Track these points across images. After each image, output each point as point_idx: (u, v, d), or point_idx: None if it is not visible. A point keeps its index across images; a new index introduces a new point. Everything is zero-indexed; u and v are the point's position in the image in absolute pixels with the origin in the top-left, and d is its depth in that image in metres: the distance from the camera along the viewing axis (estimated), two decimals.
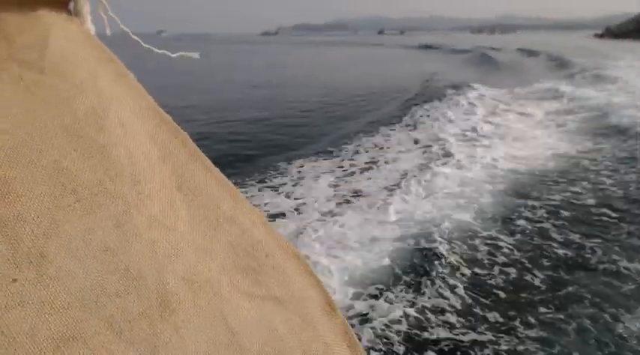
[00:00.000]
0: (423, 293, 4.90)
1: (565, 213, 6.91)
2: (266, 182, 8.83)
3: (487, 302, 4.76)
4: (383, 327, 4.38)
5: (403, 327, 4.38)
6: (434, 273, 5.26)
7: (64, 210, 0.58)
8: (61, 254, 0.56)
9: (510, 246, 5.94)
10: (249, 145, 11.89)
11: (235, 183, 0.79)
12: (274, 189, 8.44)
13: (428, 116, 14.35)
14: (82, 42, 0.71)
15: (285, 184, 8.65)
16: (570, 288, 4.96)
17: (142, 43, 0.84)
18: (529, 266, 5.45)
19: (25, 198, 0.57)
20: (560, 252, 5.78)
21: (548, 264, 5.51)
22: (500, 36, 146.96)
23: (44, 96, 0.63)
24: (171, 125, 0.73)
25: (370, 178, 8.77)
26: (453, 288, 4.99)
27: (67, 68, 0.67)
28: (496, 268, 5.42)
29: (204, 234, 0.67)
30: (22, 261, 0.54)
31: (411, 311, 4.60)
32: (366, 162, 9.83)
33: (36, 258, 0.54)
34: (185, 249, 0.64)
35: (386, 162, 9.75)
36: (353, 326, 4.28)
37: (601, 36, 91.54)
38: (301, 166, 9.59)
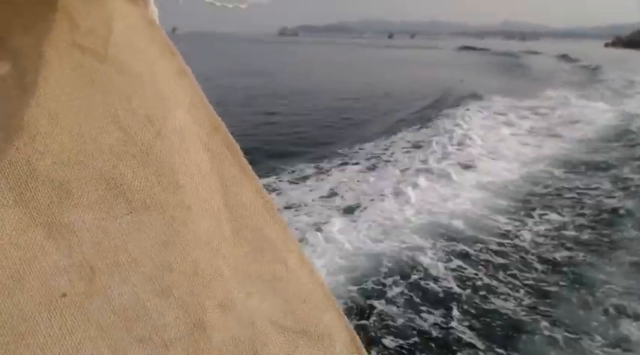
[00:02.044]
0: None
1: None
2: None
3: None
4: None
5: None
6: None
7: (116, 222, 0.57)
8: (109, 269, 0.55)
9: None
10: None
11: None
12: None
13: None
14: (145, 30, 0.70)
15: None
16: None
17: None
18: None
19: (81, 205, 0.56)
20: None
21: None
22: (532, 43, 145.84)
23: (103, 89, 0.62)
24: (225, 134, 0.71)
25: None
26: None
27: (127, 58, 0.66)
28: None
29: (245, 259, 0.66)
30: (74, 274, 0.53)
31: None
32: None
33: (86, 271, 0.54)
34: (226, 273, 0.63)
35: None
36: None
37: (613, 44, 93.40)
38: None
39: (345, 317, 0.71)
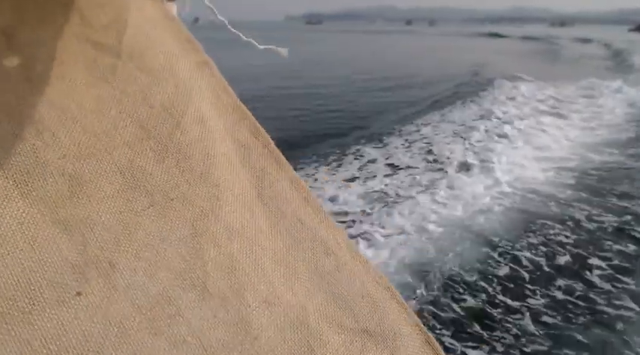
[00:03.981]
0: None
1: None
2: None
3: None
4: None
5: None
6: None
7: (136, 215, 0.54)
8: (132, 264, 0.51)
9: None
10: None
11: None
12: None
13: None
14: (161, 23, 0.67)
15: None
16: None
17: (242, 36, 0.79)
18: None
19: (96, 199, 0.52)
20: None
21: None
22: (569, 29, 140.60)
23: (118, 85, 0.60)
24: (253, 123, 0.68)
25: None
26: None
27: (144, 53, 0.63)
28: None
29: (286, 250, 0.61)
30: (90, 271, 0.49)
31: None
32: None
33: (105, 267, 0.50)
34: (267, 266, 0.58)
35: None
36: None
37: (638, 29, 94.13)
38: None
39: (415, 315, 0.64)
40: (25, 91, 0.55)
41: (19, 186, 0.51)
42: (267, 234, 0.62)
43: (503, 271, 4.72)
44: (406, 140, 9.80)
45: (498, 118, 11.03)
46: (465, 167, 7.85)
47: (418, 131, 10.39)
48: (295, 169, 0.69)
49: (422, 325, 0.64)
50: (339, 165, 8.28)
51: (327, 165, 8.29)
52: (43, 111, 0.55)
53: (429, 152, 8.80)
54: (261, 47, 0.79)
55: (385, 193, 6.76)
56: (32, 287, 0.46)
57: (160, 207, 0.56)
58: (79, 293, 0.48)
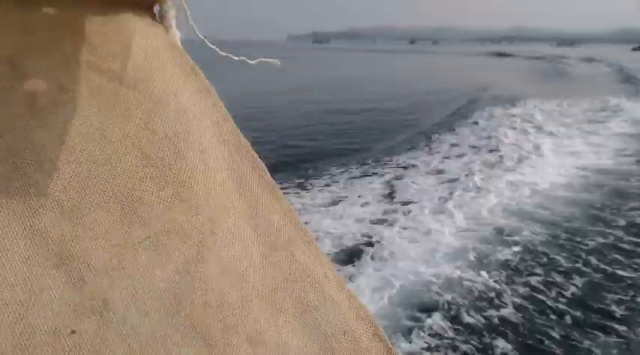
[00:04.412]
0: None
1: None
2: None
3: None
4: None
5: None
6: None
7: (132, 248, 0.54)
8: (125, 302, 0.51)
9: None
10: None
11: None
12: None
13: None
14: (166, 52, 0.69)
15: None
16: None
17: (219, 51, 0.81)
18: None
19: (94, 233, 0.53)
20: None
21: None
22: (578, 48, 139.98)
23: (122, 111, 0.60)
24: (250, 153, 0.69)
25: None
26: None
27: (147, 80, 0.64)
28: None
29: (275, 285, 0.62)
30: (85, 309, 0.49)
31: None
32: None
33: (99, 305, 0.50)
34: (254, 303, 0.59)
35: None
36: None
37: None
38: None
39: (395, 349, 0.65)
40: (29, 121, 0.55)
41: (21, 221, 0.50)
42: (259, 268, 0.62)
43: None
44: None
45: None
46: None
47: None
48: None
49: None
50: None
51: None
52: (45, 141, 0.55)
53: None
54: (253, 62, 0.81)
55: None
56: (29, 325, 0.47)
57: (156, 238, 0.56)
58: (73, 332, 0.48)
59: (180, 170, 0.61)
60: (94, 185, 0.55)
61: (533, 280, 5.22)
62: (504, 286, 5.07)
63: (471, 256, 5.68)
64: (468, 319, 4.53)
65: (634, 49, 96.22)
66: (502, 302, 4.81)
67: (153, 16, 0.71)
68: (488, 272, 5.33)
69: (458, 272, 5.27)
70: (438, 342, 4.21)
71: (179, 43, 0.72)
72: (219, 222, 0.61)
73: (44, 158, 0.54)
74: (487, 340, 4.26)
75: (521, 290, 5.03)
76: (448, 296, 4.84)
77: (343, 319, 0.64)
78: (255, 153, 0.70)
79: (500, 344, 4.20)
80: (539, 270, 5.43)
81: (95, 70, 0.61)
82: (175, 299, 0.54)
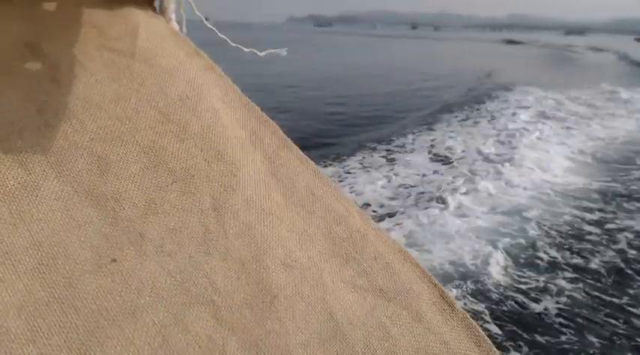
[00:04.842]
0: None
1: None
2: None
3: None
4: None
5: None
6: None
7: (161, 190, 0.58)
8: (160, 234, 0.56)
9: None
10: None
11: None
12: None
13: None
14: (169, 37, 0.73)
15: None
16: None
17: (230, 42, 0.85)
18: None
19: (123, 177, 0.57)
20: None
21: None
22: (585, 37, 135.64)
23: (136, 79, 0.65)
24: (260, 114, 0.73)
25: None
26: None
27: (156, 56, 0.69)
28: None
29: (301, 219, 0.66)
30: (122, 242, 0.54)
31: None
32: None
33: (135, 237, 0.54)
34: (283, 233, 0.63)
35: None
36: None
37: None
38: None
39: (428, 272, 0.68)
40: (53, 88, 0.60)
41: (54, 166, 0.55)
42: (282, 206, 0.66)
43: None
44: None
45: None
46: None
47: None
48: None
49: (435, 280, 0.68)
50: None
51: None
52: (69, 103, 0.59)
53: None
54: (262, 53, 0.85)
55: None
56: (71, 256, 0.51)
57: (183, 183, 0.60)
58: (113, 260, 0.52)
59: (198, 126, 0.65)
60: (118, 137, 0.59)
61: None
62: None
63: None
64: None
65: (636, 40, 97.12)
66: None
67: (154, 10, 0.77)
68: None
69: None
70: None
71: (179, 32, 0.77)
72: (240, 167, 0.65)
73: (70, 116, 0.59)
74: None
75: None
76: None
77: (373, 247, 0.67)
78: (265, 115, 0.74)
79: None
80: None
81: (106, 48, 0.67)
82: (207, 232, 0.58)
